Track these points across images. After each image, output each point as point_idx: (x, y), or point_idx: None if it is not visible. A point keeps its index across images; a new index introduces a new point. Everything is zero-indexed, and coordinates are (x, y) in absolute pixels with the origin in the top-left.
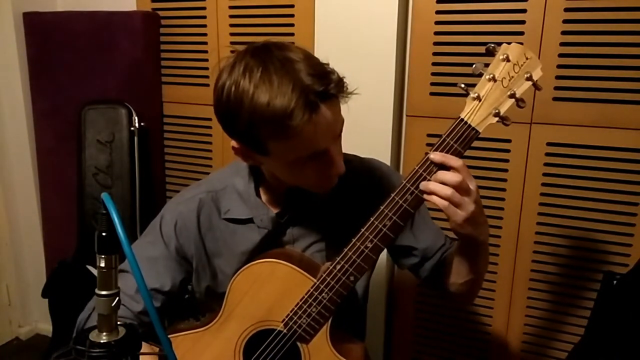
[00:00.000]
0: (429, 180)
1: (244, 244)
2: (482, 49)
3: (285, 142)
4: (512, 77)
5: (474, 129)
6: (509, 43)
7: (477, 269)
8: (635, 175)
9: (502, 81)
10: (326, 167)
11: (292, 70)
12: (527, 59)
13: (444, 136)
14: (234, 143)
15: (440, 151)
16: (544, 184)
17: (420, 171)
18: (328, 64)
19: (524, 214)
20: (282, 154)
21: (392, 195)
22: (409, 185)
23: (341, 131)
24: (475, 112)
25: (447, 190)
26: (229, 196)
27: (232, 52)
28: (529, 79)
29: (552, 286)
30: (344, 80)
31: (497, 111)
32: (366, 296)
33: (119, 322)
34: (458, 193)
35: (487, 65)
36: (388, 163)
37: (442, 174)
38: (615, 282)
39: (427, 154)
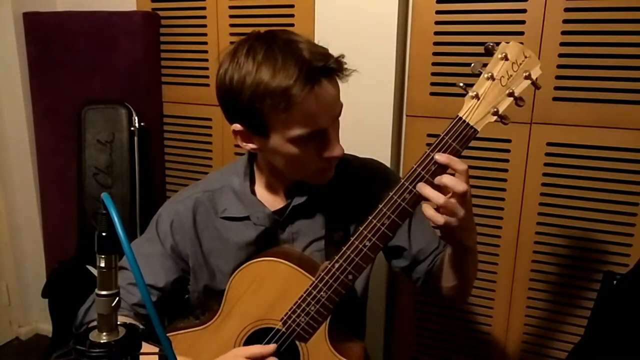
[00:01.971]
0: (428, 179)
1: (241, 241)
2: (482, 49)
3: (286, 114)
4: (511, 75)
5: (472, 127)
6: (507, 42)
7: (464, 274)
8: (635, 175)
9: (500, 80)
10: (325, 149)
11: (295, 48)
12: (525, 57)
13: (442, 135)
14: (235, 126)
15: (439, 150)
16: (544, 184)
17: (419, 170)
18: (327, 50)
19: (524, 214)
20: (282, 130)
21: (391, 194)
22: (407, 184)
23: (339, 114)
24: (473, 111)
25: (441, 199)
26: (226, 195)
27: None
28: (528, 77)
29: (552, 286)
30: (344, 59)
31: (495, 110)
32: (366, 295)
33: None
34: (454, 198)
35: (485, 64)
36: (388, 163)
37: (446, 178)
38: (615, 282)
39: (426, 152)
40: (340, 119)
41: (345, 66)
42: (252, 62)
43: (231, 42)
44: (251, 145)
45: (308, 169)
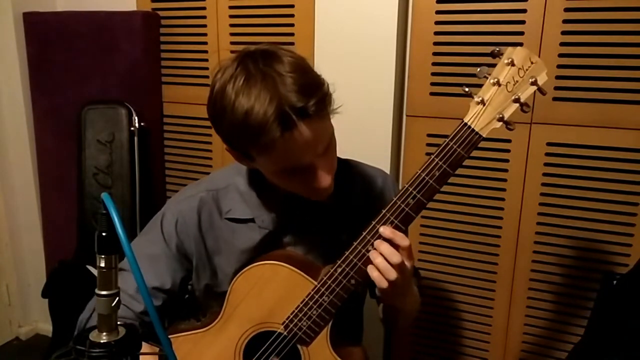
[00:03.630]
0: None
1: (244, 243)
2: (482, 49)
3: (263, 154)
4: (517, 81)
5: (477, 133)
6: (511, 45)
7: (398, 320)
8: (635, 175)
9: (506, 85)
10: (310, 181)
11: (274, 83)
12: (532, 63)
13: (447, 140)
14: (226, 145)
15: (444, 155)
16: (544, 184)
17: (423, 175)
18: (319, 76)
19: (524, 214)
20: (264, 164)
21: (395, 199)
22: (411, 189)
23: (329, 145)
24: (479, 117)
25: (393, 275)
26: (231, 195)
27: (232, 52)
28: (534, 83)
29: (552, 286)
30: (331, 94)
31: (501, 116)
32: (363, 298)
33: (119, 323)
34: (396, 271)
35: (491, 66)
36: (388, 163)
37: (387, 251)
38: (615, 282)
39: (429, 155)
40: (340, 119)
41: (331, 102)
42: (232, 88)
43: (231, 42)
44: (246, 164)
45: (301, 192)
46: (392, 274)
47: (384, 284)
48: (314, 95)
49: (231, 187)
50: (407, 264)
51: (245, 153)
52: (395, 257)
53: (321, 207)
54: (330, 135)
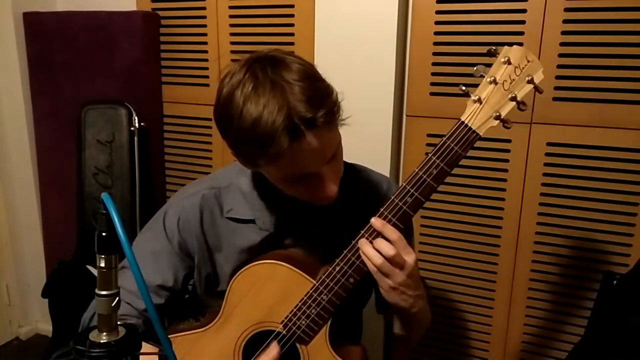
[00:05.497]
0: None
1: (244, 244)
2: (482, 49)
3: (270, 164)
4: (514, 80)
5: (474, 131)
6: (510, 45)
7: (409, 331)
8: (635, 175)
9: (503, 84)
10: (316, 188)
11: (282, 92)
12: (528, 61)
13: (445, 139)
14: (231, 150)
15: (442, 154)
16: (544, 184)
17: (421, 174)
18: (328, 85)
19: (524, 214)
20: (269, 171)
21: (392, 197)
22: (409, 188)
23: (336, 153)
24: (476, 115)
25: (378, 260)
26: (233, 195)
27: (232, 52)
28: (531, 81)
29: (552, 286)
30: (339, 104)
31: (498, 114)
32: (363, 300)
33: (121, 322)
34: (390, 263)
35: (488, 65)
36: (388, 163)
37: (379, 243)
38: (615, 282)
39: (427, 154)
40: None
41: (339, 113)
42: (240, 95)
43: (231, 42)
44: (248, 168)
45: (305, 198)
46: (394, 274)
47: (383, 280)
48: (323, 105)
49: (233, 186)
50: (407, 258)
51: (252, 160)
52: (389, 249)
53: (324, 211)
54: (337, 144)
